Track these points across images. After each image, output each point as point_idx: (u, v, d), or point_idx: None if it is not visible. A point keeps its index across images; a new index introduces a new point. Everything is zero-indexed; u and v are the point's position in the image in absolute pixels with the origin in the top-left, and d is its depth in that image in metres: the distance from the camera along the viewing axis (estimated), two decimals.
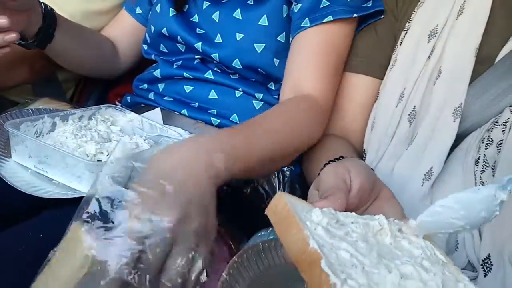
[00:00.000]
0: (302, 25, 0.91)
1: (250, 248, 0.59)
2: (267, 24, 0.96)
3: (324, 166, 0.66)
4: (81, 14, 1.10)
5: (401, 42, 0.88)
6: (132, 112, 1.01)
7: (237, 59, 0.96)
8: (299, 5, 0.91)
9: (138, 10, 1.16)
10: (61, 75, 1.27)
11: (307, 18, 0.90)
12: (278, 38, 0.97)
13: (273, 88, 1.02)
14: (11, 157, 0.84)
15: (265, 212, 0.50)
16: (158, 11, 1.06)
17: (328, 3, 0.90)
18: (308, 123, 0.84)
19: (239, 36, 0.97)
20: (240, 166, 0.68)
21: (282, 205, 0.49)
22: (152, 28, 1.08)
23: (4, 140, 0.87)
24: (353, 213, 0.52)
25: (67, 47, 1.03)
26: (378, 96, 0.90)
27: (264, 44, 0.96)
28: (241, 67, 0.97)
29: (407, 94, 0.84)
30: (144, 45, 1.14)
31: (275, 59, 0.97)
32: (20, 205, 0.78)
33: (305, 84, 0.88)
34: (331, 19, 0.89)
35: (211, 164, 0.63)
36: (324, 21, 0.89)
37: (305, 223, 0.46)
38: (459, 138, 0.78)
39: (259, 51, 0.96)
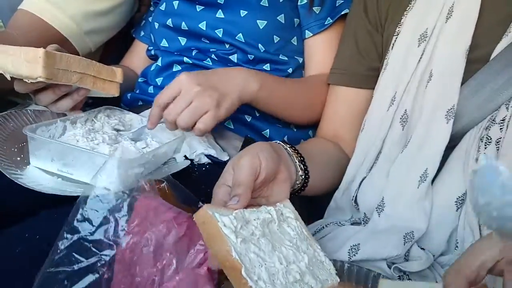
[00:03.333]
0: (326, 23, 1.07)
1: None
2: (267, 5, 1.05)
3: None
4: (82, 15, 1.11)
5: (392, 47, 0.89)
6: (130, 112, 1.04)
7: (240, 34, 1.04)
8: (319, 7, 1.06)
9: (142, 33, 1.29)
10: None
11: (329, 17, 1.06)
12: (278, 18, 1.05)
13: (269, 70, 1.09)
14: (29, 164, 0.85)
15: (194, 219, 0.60)
16: (164, 9, 1.13)
17: (342, 1, 1.06)
18: (322, 94, 1.03)
19: (243, 13, 1.04)
20: (265, 93, 0.95)
21: (207, 217, 0.58)
22: (156, 25, 1.14)
23: (19, 147, 0.88)
24: (254, 209, 0.63)
25: None
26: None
27: (266, 22, 1.04)
28: (243, 41, 1.04)
29: (399, 98, 0.85)
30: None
31: (275, 36, 1.06)
32: (17, 205, 0.79)
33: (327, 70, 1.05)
34: (347, 11, 1.04)
35: (247, 78, 0.93)
36: (342, 13, 1.05)
37: (227, 234, 0.57)
38: (457, 137, 0.79)
39: (261, 27, 1.04)
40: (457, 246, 0.76)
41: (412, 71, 0.84)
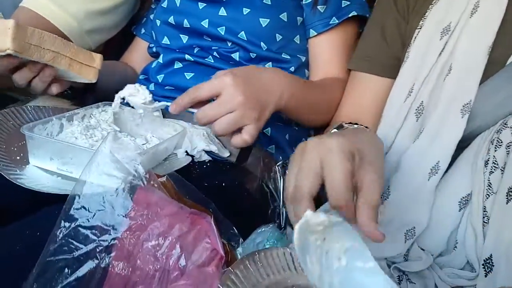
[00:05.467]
0: (330, 22, 1.07)
1: (245, 258, 0.63)
2: (270, 3, 1.05)
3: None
4: (84, 14, 1.11)
5: (414, 39, 0.89)
6: (130, 108, 1.01)
7: (243, 32, 1.04)
8: (323, 6, 1.06)
9: (143, 31, 1.30)
10: None
11: (334, 17, 1.07)
12: (280, 17, 1.05)
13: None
14: (28, 163, 0.84)
15: None
16: (165, 6, 1.13)
17: (349, 3, 1.07)
18: (337, 98, 1.03)
19: (245, 10, 1.04)
20: (294, 103, 0.93)
21: None
22: (158, 22, 1.14)
23: (19, 145, 0.87)
24: None
25: (105, 83, 1.12)
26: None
27: (268, 20, 1.04)
28: (245, 39, 1.04)
29: (416, 89, 0.85)
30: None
31: (277, 34, 1.06)
32: (17, 202, 0.78)
33: (336, 74, 1.08)
34: (355, 13, 1.06)
35: (284, 87, 0.89)
36: (350, 15, 1.06)
37: None
38: (469, 138, 0.79)
39: (264, 25, 1.04)
40: (456, 247, 0.75)
41: (432, 63, 0.84)
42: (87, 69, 0.93)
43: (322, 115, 1.05)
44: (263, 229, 0.80)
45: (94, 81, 0.96)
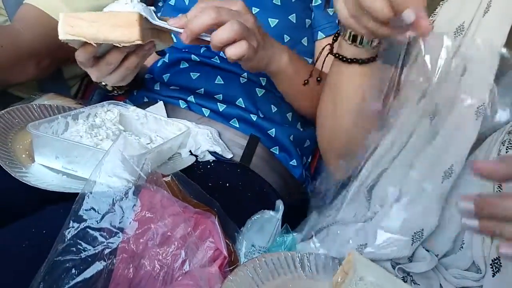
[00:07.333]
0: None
1: (246, 263, 0.65)
2: (280, 4, 1.05)
3: None
4: (87, 11, 1.11)
5: None
6: (135, 107, 1.02)
7: None
8: (333, 9, 1.05)
9: None
10: (66, 72, 1.28)
11: None
12: (289, 18, 1.05)
13: None
14: (34, 161, 0.84)
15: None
16: (173, 4, 1.12)
17: None
18: None
19: (254, 10, 1.03)
20: (292, 70, 0.95)
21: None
22: None
23: (24, 143, 0.87)
24: None
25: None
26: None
27: (277, 20, 1.04)
28: None
29: (430, 91, 0.84)
30: None
31: (285, 35, 1.06)
32: (23, 200, 0.78)
33: None
34: None
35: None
36: None
37: None
38: (479, 139, 0.78)
39: (272, 26, 1.03)
40: (462, 247, 0.75)
41: (445, 64, 0.83)
42: (167, 35, 0.93)
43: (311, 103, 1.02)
44: (257, 216, 0.81)
45: (173, 44, 0.96)
